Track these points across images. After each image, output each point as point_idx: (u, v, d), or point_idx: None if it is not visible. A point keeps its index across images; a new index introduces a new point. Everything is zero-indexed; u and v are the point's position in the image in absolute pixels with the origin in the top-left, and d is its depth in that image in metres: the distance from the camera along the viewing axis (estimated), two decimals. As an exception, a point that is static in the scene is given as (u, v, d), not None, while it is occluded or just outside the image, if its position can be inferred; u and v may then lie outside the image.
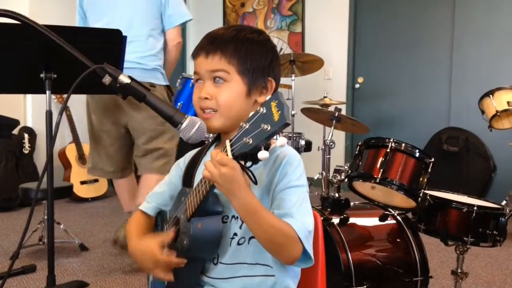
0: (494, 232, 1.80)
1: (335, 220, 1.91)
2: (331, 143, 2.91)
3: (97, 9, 2.85)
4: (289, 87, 4.18)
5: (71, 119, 4.42)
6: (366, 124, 2.97)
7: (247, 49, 1.06)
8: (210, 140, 1.20)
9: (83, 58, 1.14)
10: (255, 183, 0.91)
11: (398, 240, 2.01)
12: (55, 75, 1.94)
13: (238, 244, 1.05)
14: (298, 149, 3.76)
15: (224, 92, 1.05)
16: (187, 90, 3.34)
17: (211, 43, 1.06)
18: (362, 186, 2.23)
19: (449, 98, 4.75)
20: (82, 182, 4.49)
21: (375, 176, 2.06)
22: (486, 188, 4.27)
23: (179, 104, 3.28)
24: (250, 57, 1.06)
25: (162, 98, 2.89)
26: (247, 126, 0.84)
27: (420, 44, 4.85)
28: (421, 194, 1.99)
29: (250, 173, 0.90)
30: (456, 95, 4.69)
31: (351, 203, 2.11)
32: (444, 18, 4.73)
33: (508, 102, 3.21)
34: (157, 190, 1.23)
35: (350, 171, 2.15)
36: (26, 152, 4.33)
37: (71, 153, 4.49)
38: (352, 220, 1.96)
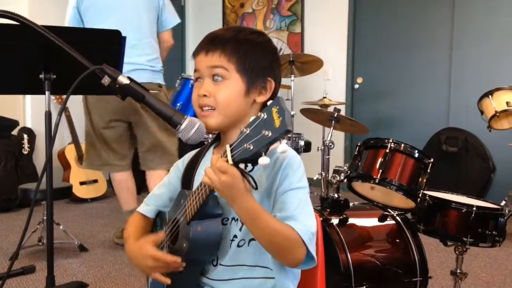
0: (493, 232, 1.80)
1: (335, 221, 1.91)
2: (331, 144, 2.91)
3: (99, 12, 2.88)
4: (289, 87, 4.18)
5: (70, 119, 4.42)
6: (366, 124, 2.98)
7: (247, 49, 1.06)
8: (210, 141, 1.20)
9: (82, 59, 1.13)
10: (256, 188, 0.90)
11: (397, 240, 2.01)
12: (54, 76, 1.94)
13: (238, 246, 1.05)
14: (298, 149, 3.77)
15: (222, 90, 1.05)
16: (186, 91, 3.34)
17: (212, 42, 1.07)
18: (361, 187, 2.23)
19: (448, 98, 4.75)
20: (82, 183, 4.49)
21: (374, 177, 2.06)
22: (485, 188, 4.27)
23: (178, 104, 3.29)
24: (250, 56, 1.06)
25: (167, 98, 3.12)
26: (248, 131, 0.83)
27: (419, 45, 4.86)
28: (420, 195, 1.99)
29: (250, 179, 0.89)
30: (455, 95, 4.70)
31: (351, 204, 2.11)
32: (443, 18, 4.73)
33: (507, 103, 3.21)
34: (156, 191, 1.23)
35: (349, 171, 2.15)
36: (25, 152, 4.33)
37: (71, 154, 4.49)
38: (351, 220, 1.96)
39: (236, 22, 5.86)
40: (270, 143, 0.81)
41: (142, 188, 4.61)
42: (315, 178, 4.28)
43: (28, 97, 4.51)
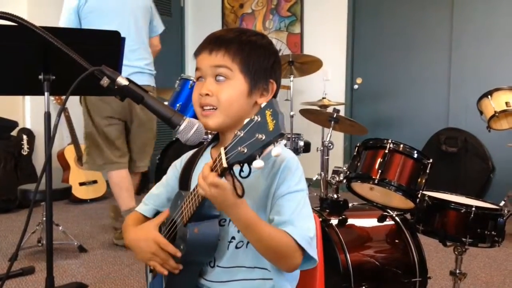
0: (493, 232, 1.80)
1: (334, 221, 1.91)
2: (330, 144, 2.91)
3: (101, 17, 2.93)
4: (288, 88, 4.18)
5: (69, 120, 4.42)
6: (365, 125, 2.98)
7: (250, 50, 1.06)
8: (208, 141, 1.20)
9: (81, 60, 1.13)
10: (240, 197, 0.89)
11: (396, 241, 2.01)
12: (54, 77, 1.93)
13: (236, 247, 1.05)
14: (297, 150, 3.77)
15: (225, 90, 1.04)
16: (186, 91, 3.34)
17: (215, 42, 1.06)
18: (360, 187, 2.23)
19: (448, 99, 4.75)
20: (81, 184, 4.49)
21: (373, 177, 2.06)
22: (485, 188, 4.26)
23: (177, 105, 3.29)
24: (253, 57, 1.06)
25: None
26: (242, 134, 0.82)
27: (418, 45, 4.86)
28: (419, 195, 1.99)
29: (238, 186, 0.88)
30: (454, 95, 4.70)
31: (350, 204, 2.11)
32: (442, 19, 4.73)
33: (506, 103, 3.21)
34: (154, 191, 1.23)
35: (348, 172, 2.15)
36: (24, 153, 4.32)
37: (70, 155, 4.49)
38: (350, 221, 1.96)
39: (235, 22, 5.86)
40: (264, 147, 0.80)
41: (142, 188, 4.63)
42: (314, 179, 4.28)
43: (28, 98, 4.51)
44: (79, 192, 4.44)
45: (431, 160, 2.07)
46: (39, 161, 4.47)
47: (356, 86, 5.14)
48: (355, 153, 2.20)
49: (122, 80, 1.08)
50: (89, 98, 3.05)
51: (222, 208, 0.92)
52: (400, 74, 4.99)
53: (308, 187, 0.95)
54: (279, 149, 0.81)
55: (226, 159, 0.84)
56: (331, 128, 2.82)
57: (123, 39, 2.19)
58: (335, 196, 2.10)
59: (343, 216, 1.95)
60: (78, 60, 1.13)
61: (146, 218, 1.21)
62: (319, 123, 3.27)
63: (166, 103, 3.16)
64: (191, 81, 3.34)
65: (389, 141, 2.09)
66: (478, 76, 4.51)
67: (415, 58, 4.89)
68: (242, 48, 1.05)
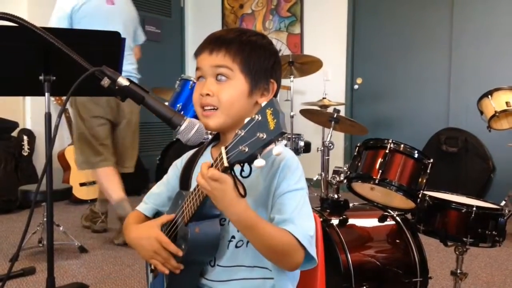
0: (493, 232, 1.80)
1: (334, 221, 1.91)
2: (330, 144, 2.91)
3: (93, 22, 2.97)
4: (288, 88, 4.18)
5: (70, 121, 4.41)
6: (365, 125, 2.98)
7: (251, 50, 1.06)
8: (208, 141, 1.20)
9: (81, 61, 1.13)
10: (243, 196, 0.89)
11: (397, 241, 2.01)
12: (54, 78, 1.94)
13: (236, 246, 1.05)
14: (297, 150, 3.77)
15: (226, 90, 1.04)
16: (186, 92, 3.35)
17: (215, 42, 1.07)
18: (361, 187, 2.23)
19: (448, 99, 4.75)
20: (82, 184, 4.49)
21: (374, 177, 2.06)
22: (485, 188, 4.26)
23: (178, 105, 3.30)
24: (253, 57, 1.06)
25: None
26: (243, 133, 0.82)
27: (418, 45, 4.86)
28: (420, 195, 1.99)
29: (240, 186, 0.88)
30: (455, 95, 4.70)
31: (350, 204, 2.11)
32: (442, 19, 4.73)
33: (506, 103, 3.21)
34: (155, 191, 1.23)
35: (349, 172, 2.15)
36: (25, 154, 4.33)
37: (70, 155, 4.47)
38: (351, 221, 1.96)
39: (235, 23, 5.86)
40: (265, 146, 0.80)
41: (142, 188, 4.63)
42: (315, 179, 4.28)
43: (28, 98, 4.51)
44: (79, 192, 4.44)
45: (431, 160, 2.07)
46: (39, 161, 4.47)
47: (356, 86, 5.13)
48: (355, 153, 2.20)
49: (123, 81, 1.08)
50: (79, 100, 3.12)
51: (222, 206, 0.91)
52: (400, 74, 4.99)
53: (309, 187, 0.95)
54: (280, 148, 0.82)
55: (227, 158, 0.84)
56: (331, 128, 2.82)
57: (124, 39, 2.19)
58: (336, 196, 2.10)
59: (344, 216, 1.95)
60: (79, 60, 1.13)
61: (146, 217, 1.21)
62: (319, 123, 3.27)
63: (166, 103, 3.16)
64: (191, 82, 3.35)
65: (390, 141, 2.09)
66: (478, 76, 4.51)
67: (415, 58, 4.89)
68: (242, 48, 1.05)
